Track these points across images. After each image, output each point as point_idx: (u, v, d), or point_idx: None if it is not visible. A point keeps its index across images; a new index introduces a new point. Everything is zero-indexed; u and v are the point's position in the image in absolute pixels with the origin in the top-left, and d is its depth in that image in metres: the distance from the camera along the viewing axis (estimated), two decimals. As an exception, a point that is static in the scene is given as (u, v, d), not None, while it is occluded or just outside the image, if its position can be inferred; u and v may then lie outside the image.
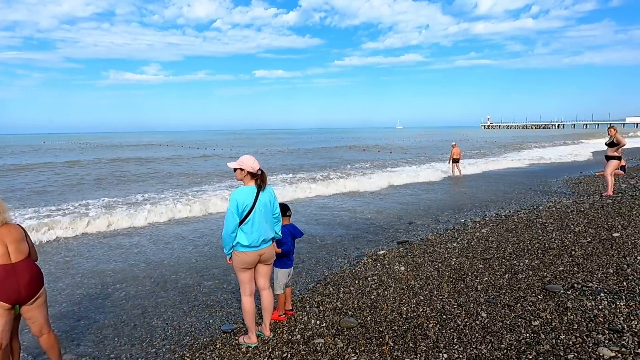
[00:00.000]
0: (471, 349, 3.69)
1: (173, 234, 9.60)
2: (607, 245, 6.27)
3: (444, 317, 4.36)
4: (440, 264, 6.17)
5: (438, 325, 4.18)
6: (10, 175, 23.13)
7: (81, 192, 16.73)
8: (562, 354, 3.46)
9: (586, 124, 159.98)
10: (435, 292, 5.07)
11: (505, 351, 3.60)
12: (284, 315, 4.83)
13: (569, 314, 4.14)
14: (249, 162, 4.09)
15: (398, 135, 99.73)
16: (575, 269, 5.42)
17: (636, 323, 3.80)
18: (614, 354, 3.34)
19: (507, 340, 3.76)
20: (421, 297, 4.96)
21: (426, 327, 4.17)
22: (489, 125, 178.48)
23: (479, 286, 5.12)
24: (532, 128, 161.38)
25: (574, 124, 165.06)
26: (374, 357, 3.72)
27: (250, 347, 4.19)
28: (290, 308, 4.98)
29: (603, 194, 11.09)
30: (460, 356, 3.59)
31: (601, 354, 3.37)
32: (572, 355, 3.42)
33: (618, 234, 6.77)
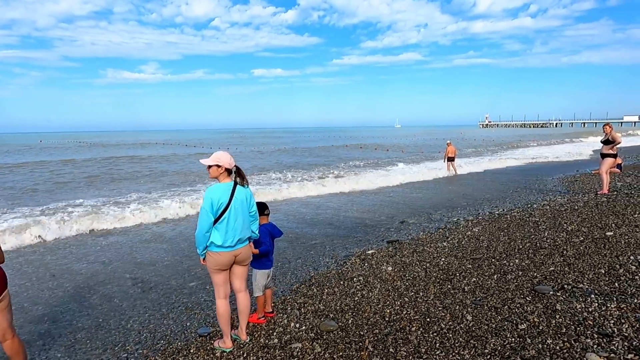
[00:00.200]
0: (453, 354, 3.51)
1: (160, 233, 9.42)
2: (600, 245, 6.10)
3: (428, 320, 4.19)
4: (428, 264, 6.00)
5: (421, 329, 4.00)
6: (1, 173, 22.89)
7: (72, 191, 16.53)
8: None
9: (584, 123, 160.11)
10: (421, 294, 4.90)
11: (488, 357, 3.42)
12: (263, 318, 4.65)
13: (557, 316, 3.96)
14: (226, 159, 3.91)
15: (396, 134, 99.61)
16: (566, 269, 5.24)
17: (627, 327, 3.63)
18: (602, 360, 3.17)
19: (492, 345, 3.58)
20: (406, 299, 4.78)
21: (408, 331, 3.99)
22: (487, 124, 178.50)
23: (466, 287, 4.94)
24: (530, 127, 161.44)
25: (572, 123, 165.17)
26: (352, 363, 3.55)
27: (225, 351, 4.02)
28: (271, 310, 4.80)
29: (598, 192, 10.93)
30: (442, 362, 3.41)
31: (589, 360, 3.20)
32: (559, 361, 3.25)
33: (611, 233, 6.61)
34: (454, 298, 4.67)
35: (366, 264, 6.38)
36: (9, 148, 55.87)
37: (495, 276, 5.23)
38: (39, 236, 8.97)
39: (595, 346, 3.40)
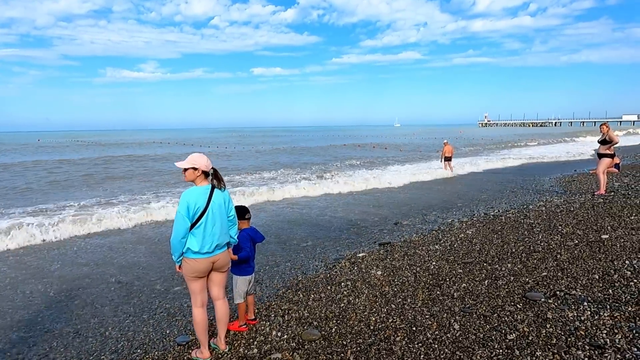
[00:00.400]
0: (438, 366, 3.35)
1: (149, 236, 9.25)
2: (595, 248, 5.94)
3: (414, 329, 4.02)
4: (418, 268, 5.83)
5: (406, 339, 3.84)
6: (-5, 173, 22.72)
7: (64, 191, 16.36)
8: (536, 373, 3.13)
9: (583, 122, 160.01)
10: (409, 300, 4.73)
11: (475, 369, 3.26)
12: (245, 326, 4.48)
13: (548, 326, 3.80)
14: (203, 161, 3.74)
15: (395, 133, 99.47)
16: (559, 274, 5.08)
17: (620, 337, 3.47)
18: (593, 374, 3.01)
19: (478, 357, 3.42)
20: (393, 306, 4.62)
21: (393, 341, 3.83)
22: (486, 123, 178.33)
23: (455, 293, 4.78)
24: (529, 126, 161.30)
25: (571, 122, 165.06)
26: (331, 376, 3.38)
27: (202, 362, 3.85)
28: (253, 317, 4.64)
29: (595, 193, 10.77)
30: (426, 375, 3.25)
31: (579, 374, 3.05)
32: (548, 375, 3.09)
33: (607, 236, 6.44)
34: (442, 305, 4.50)
35: (355, 268, 6.22)
36: (6, 147, 55.68)
37: (486, 282, 5.07)
38: (29, 238, 8.78)
39: (586, 359, 3.23)
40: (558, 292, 4.51)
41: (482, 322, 4.02)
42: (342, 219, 10.33)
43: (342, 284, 5.54)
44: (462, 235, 7.53)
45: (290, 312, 4.78)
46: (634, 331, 3.54)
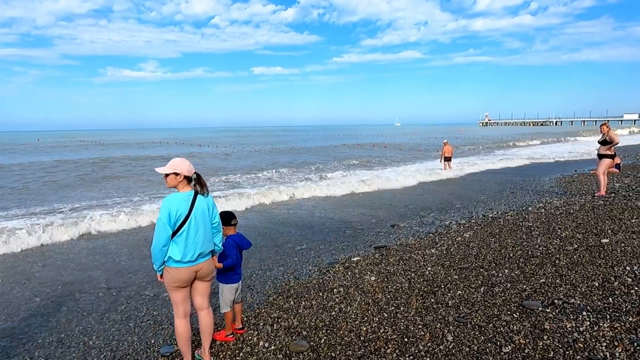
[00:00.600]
0: (429, 382, 3.20)
1: (142, 239, 9.10)
2: (595, 253, 5.78)
3: (406, 340, 3.87)
4: (413, 274, 5.68)
5: (397, 351, 3.68)
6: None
7: (59, 192, 16.22)
8: (532, 389, 2.98)
9: (584, 121, 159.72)
10: (402, 308, 4.57)
11: (467, 385, 3.11)
12: (232, 336, 4.33)
13: (545, 337, 3.64)
14: (185, 166, 3.59)
15: (396, 132, 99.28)
16: (557, 281, 4.92)
17: (620, 351, 3.31)
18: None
19: (472, 371, 3.26)
20: (385, 315, 4.46)
21: (383, 353, 3.67)
22: (487, 123, 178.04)
23: (450, 301, 4.62)
24: (529, 125, 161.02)
25: (572, 121, 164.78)
26: (318, 391, 3.23)
27: (185, 375, 3.70)
28: (241, 326, 4.48)
29: (595, 194, 10.61)
30: (416, 391, 3.10)
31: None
32: (544, 392, 2.94)
33: (607, 240, 6.28)
34: (436, 314, 4.35)
35: (349, 273, 6.07)
36: (5, 147, 55.57)
37: (482, 289, 4.91)
38: (16, 242, 8.62)
39: (584, 374, 3.08)
40: (556, 301, 4.35)
41: (476, 333, 3.86)
42: (339, 221, 10.18)
43: (335, 290, 5.39)
44: (459, 238, 7.38)
45: (279, 320, 4.63)
46: (635, 344, 3.38)
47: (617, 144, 10.44)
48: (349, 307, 4.76)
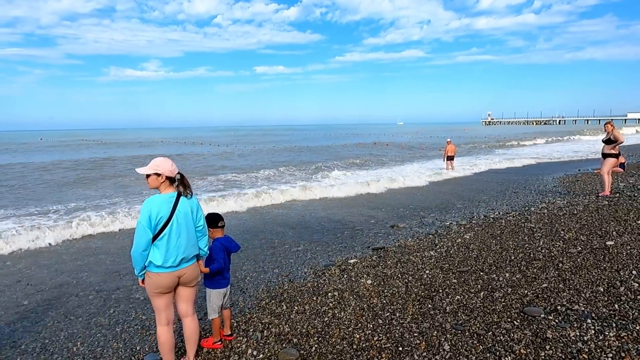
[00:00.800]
0: (424, 395, 3.01)
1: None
2: (599, 256, 5.57)
3: (400, 349, 3.68)
4: (410, 278, 5.48)
5: (390, 361, 3.50)
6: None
7: (56, 193, 16.08)
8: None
9: (587, 120, 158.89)
10: (398, 315, 4.38)
11: (464, 400, 2.92)
12: (219, 343, 4.15)
13: (547, 347, 3.44)
14: (167, 166, 3.41)
15: (398, 131, 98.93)
16: (560, 285, 4.72)
17: (627, 363, 3.11)
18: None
19: (469, 384, 3.07)
20: (380, 321, 4.27)
21: (376, 363, 3.49)
22: (489, 122, 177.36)
23: (448, 307, 4.43)
24: (533, 124, 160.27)
25: (575, 120, 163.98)
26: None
27: (168, 385, 3.52)
28: (230, 333, 4.31)
29: (600, 194, 10.38)
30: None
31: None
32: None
33: (612, 242, 6.06)
34: (433, 320, 4.15)
35: (345, 276, 5.88)
36: (7, 146, 55.61)
37: (482, 293, 4.71)
38: (8, 244, 8.47)
39: (589, 388, 2.88)
40: (559, 307, 4.15)
41: (475, 341, 3.67)
42: (338, 222, 10.00)
43: (329, 294, 5.20)
44: (459, 240, 7.18)
45: (270, 326, 4.45)
46: (643, 355, 3.18)
47: (621, 142, 10.22)
48: (342, 313, 4.58)
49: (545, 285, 4.77)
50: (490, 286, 4.90)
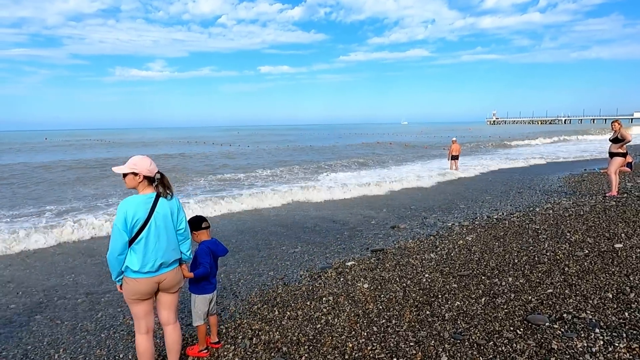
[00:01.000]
0: (418, 413, 2.78)
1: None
2: (608, 260, 5.31)
3: (395, 360, 3.45)
4: (409, 281, 5.25)
5: (384, 373, 3.27)
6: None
7: (56, 193, 15.94)
8: None
9: (593, 119, 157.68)
10: (394, 321, 4.16)
11: (461, 418, 2.69)
12: (206, 351, 3.94)
13: (552, 359, 3.20)
14: (145, 164, 3.20)
15: (402, 131, 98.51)
16: (566, 291, 4.47)
17: (639, 377, 2.87)
18: None
19: (467, 401, 2.84)
20: (375, 328, 4.05)
21: (369, 375, 3.26)
22: (494, 121, 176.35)
23: (447, 314, 4.19)
24: (538, 123, 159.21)
25: (581, 119, 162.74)
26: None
27: (147, 398, 3.32)
28: (217, 340, 4.09)
29: (607, 194, 10.10)
30: None
31: None
32: None
33: (621, 245, 5.80)
34: (430, 329, 3.92)
35: (342, 279, 5.66)
36: (12, 146, 55.77)
37: (483, 299, 4.47)
38: (2, 246, 8.30)
39: (598, 407, 2.65)
40: (565, 315, 3.90)
41: (474, 352, 3.44)
42: (338, 222, 9.78)
43: (324, 299, 4.98)
44: (461, 242, 6.93)
45: (260, 333, 4.23)
46: (657, 369, 2.94)
47: (629, 141, 9.93)
48: (336, 319, 4.35)
49: (550, 290, 4.52)
50: (492, 291, 4.66)
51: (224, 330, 4.39)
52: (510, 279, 4.99)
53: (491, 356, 3.36)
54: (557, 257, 5.61)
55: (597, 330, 3.58)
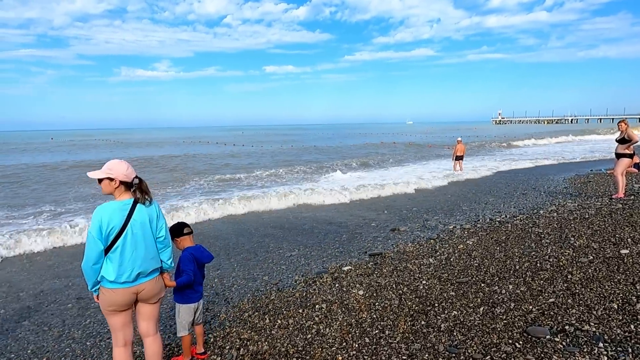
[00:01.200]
0: None
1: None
2: (613, 267, 5.09)
3: (386, 375, 3.27)
4: (406, 289, 5.06)
5: (373, 390, 3.09)
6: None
7: (55, 192, 15.88)
8: None
9: (600, 119, 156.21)
10: (387, 332, 3.98)
11: None
12: (191, 362, 3.79)
13: (552, 377, 3.02)
14: (121, 169, 3.04)
15: (407, 131, 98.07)
16: (569, 301, 4.26)
17: (645, 399, 2.67)
18: None
19: (460, 422, 2.66)
20: (367, 340, 3.87)
21: (357, 392, 3.09)
22: (500, 121, 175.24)
23: (443, 325, 4.00)
24: (544, 123, 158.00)
25: (588, 119, 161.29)
26: None
27: (125, 414, 3.16)
28: (202, 351, 3.94)
29: (613, 196, 9.85)
30: None
31: None
32: None
33: (627, 251, 5.58)
34: (425, 340, 3.74)
35: (337, 285, 5.49)
36: (17, 146, 56.03)
37: (482, 309, 4.28)
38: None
39: None
40: (567, 327, 3.70)
41: (470, 367, 3.25)
42: (337, 224, 9.61)
43: (317, 306, 4.81)
44: (462, 246, 6.73)
45: (248, 343, 4.07)
46: (664, 389, 2.74)
47: (636, 142, 9.67)
48: (328, 329, 4.18)
49: (552, 300, 4.32)
50: (491, 300, 4.47)
51: (211, 339, 4.24)
52: (510, 286, 4.79)
53: (487, 372, 3.17)
54: (560, 263, 5.40)
55: (600, 344, 3.38)
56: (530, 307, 4.20)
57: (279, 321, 4.51)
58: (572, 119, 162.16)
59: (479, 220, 8.90)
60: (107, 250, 2.97)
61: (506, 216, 9.05)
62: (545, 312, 4.04)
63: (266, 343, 4.03)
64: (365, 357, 3.56)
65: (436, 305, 4.48)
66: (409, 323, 4.11)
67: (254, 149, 40.96)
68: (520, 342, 3.54)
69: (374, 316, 4.36)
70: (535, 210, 9.32)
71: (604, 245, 5.97)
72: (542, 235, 6.81)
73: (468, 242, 6.96)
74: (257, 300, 5.32)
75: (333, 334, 4.06)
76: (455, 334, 3.80)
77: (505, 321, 3.95)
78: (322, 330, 4.16)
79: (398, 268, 5.94)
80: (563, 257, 5.58)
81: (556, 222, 7.71)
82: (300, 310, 4.74)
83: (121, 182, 3.04)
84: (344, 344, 3.84)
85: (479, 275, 5.28)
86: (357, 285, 5.39)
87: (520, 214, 9.14)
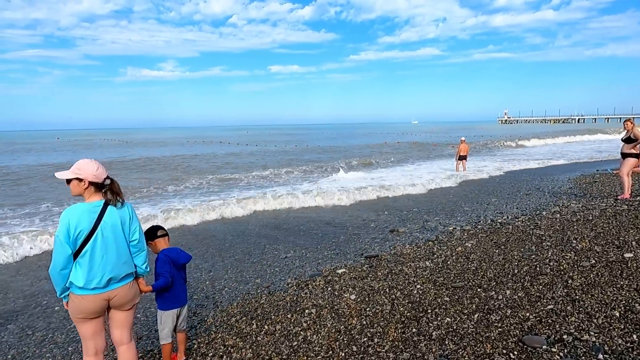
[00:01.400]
0: None
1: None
2: (616, 272, 4.87)
3: (371, 387, 3.10)
4: (399, 293, 4.88)
5: (356, 404, 2.92)
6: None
7: (54, 193, 15.82)
8: None
9: (607, 118, 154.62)
10: (376, 340, 3.80)
11: None
12: (171, 370, 3.63)
13: (547, 391, 2.82)
14: (90, 169, 2.88)
15: (413, 130, 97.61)
16: (569, 308, 4.06)
17: (646, 418, 2.48)
18: None
19: None
20: (354, 348, 3.69)
21: (339, 406, 2.91)
22: (506, 120, 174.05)
23: (434, 332, 3.82)
24: (550, 122, 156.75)
25: (595, 118, 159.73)
26: None
27: None
28: (184, 358, 3.78)
29: (618, 197, 9.60)
30: None
31: None
32: None
33: (631, 255, 5.35)
34: (415, 350, 3.55)
35: (329, 289, 5.32)
36: (23, 146, 56.31)
37: (476, 315, 4.09)
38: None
39: None
40: (565, 336, 3.50)
41: (460, 380, 3.07)
42: (336, 225, 9.45)
43: (306, 311, 4.64)
44: (460, 248, 6.53)
45: (232, 350, 3.91)
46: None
47: (643, 141, 9.40)
48: (315, 336, 4.01)
49: (550, 306, 4.11)
50: (486, 306, 4.27)
51: (195, 346, 4.09)
52: (508, 292, 4.59)
53: (478, 385, 2.99)
54: (561, 267, 5.19)
55: (600, 355, 3.18)
56: (528, 314, 4.00)
57: (266, 327, 4.35)
58: (579, 119, 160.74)
59: (479, 222, 8.69)
60: (75, 254, 2.82)
61: (508, 217, 8.83)
62: (543, 320, 3.84)
63: (250, 350, 3.87)
64: (351, 367, 3.38)
65: (429, 311, 4.29)
66: (400, 330, 3.92)
67: (258, 148, 40.88)
68: (515, 353, 3.35)
69: (364, 322, 4.19)
70: (538, 212, 9.10)
71: (607, 248, 5.74)
72: (544, 238, 6.59)
73: (467, 244, 6.76)
74: (246, 304, 5.16)
75: (320, 341, 3.89)
76: (447, 342, 3.61)
77: (500, 329, 3.76)
78: (309, 337, 3.99)
79: (393, 271, 5.76)
80: (564, 261, 5.37)
81: (558, 223, 7.49)
82: (289, 316, 4.57)
83: (91, 183, 2.88)
84: (330, 352, 3.67)
85: (475, 279, 5.08)
86: (350, 289, 5.22)
87: (523, 215, 8.92)
